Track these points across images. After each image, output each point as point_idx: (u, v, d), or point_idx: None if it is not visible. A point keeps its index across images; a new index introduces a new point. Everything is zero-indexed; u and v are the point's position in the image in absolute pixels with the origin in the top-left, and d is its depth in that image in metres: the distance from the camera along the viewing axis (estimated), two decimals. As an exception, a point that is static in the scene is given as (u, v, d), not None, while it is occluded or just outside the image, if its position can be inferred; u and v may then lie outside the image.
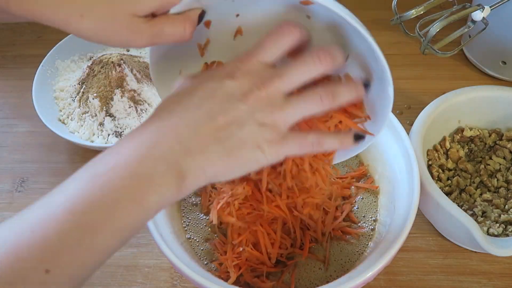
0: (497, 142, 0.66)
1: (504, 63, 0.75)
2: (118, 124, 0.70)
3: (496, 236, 0.58)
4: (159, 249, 0.51)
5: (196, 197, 0.60)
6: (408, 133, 0.59)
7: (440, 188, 0.61)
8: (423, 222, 0.63)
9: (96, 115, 0.70)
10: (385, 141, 0.59)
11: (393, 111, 0.59)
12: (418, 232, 0.63)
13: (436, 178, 0.63)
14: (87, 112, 0.71)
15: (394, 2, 0.61)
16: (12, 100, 0.80)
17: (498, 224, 0.59)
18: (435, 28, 0.59)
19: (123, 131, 0.70)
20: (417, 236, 0.63)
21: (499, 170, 0.64)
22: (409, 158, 0.55)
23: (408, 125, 0.72)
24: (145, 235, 0.64)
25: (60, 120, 0.73)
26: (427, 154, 0.65)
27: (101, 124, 0.70)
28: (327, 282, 0.53)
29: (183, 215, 0.59)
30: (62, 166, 0.72)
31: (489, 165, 0.64)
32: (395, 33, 0.82)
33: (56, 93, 0.76)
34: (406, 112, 0.74)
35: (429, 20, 0.62)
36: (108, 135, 0.70)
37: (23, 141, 0.75)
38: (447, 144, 0.66)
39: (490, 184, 0.63)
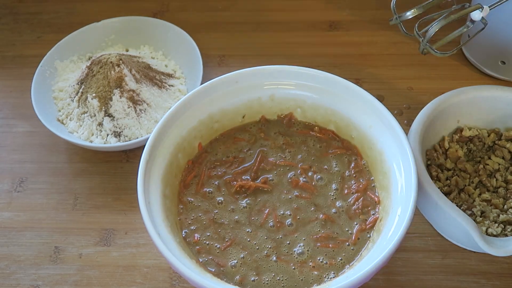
0: (496, 142, 0.66)
1: (503, 63, 0.75)
2: (117, 124, 0.70)
3: (495, 236, 0.58)
4: (157, 249, 0.51)
5: (191, 197, 0.60)
6: (407, 133, 0.59)
7: (439, 188, 0.61)
8: (422, 222, 0.63)
9: (95, 115, 0.70)
10: (384, 141, 0.59)
11: (392, 111, 0.60)
12: (417, 232, 0.63)
13: (435, 178, 0.63)
14: (86, 112, 0.71)
15: (393, 2, 0.61)
16: (11, 100, 0.80)
17: (497, 224, 0.59)
18: (434, 28, 0.59)
19: (122, 131, 0.70)
20: (416, 236, 0.63)
21: (498, 170, 0.64)
22: (408, 158, 0.55)
23: (406, 125, 0.72)
24: (144, 235, 0.64)
25: (59, 120, 0.73)
26: (426, 154, 0.65)
27: (100, 124, 0.70)
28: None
29: (181, 211, 0.59)
30: (61, 166, 0.72)
31: (488, 165, 0.64)
32: (394, 33, 0.82)
33: (55, 93, 0.76)
34: (405, 112, 0.74)
35: (428, 20, 0.62)
36: (107, 135, 0.70)
37: (22, 141, 0.75)
38: (446, 144, 0.66)
39: (489, 184, 0.63)
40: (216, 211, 0.59)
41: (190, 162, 0.63)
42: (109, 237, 0.65)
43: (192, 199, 0.60)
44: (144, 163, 0.56)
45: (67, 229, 0.66)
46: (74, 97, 0.73)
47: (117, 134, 0.69)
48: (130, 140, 0.69)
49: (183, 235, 0.57)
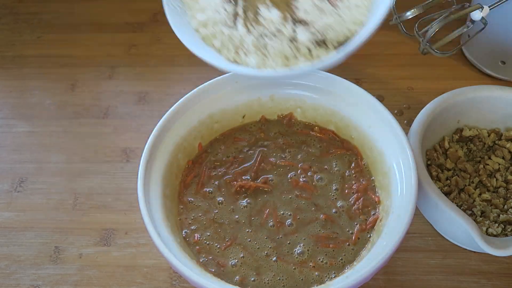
0: (496, 142, 0.66)
1: (503, 62, 0.75)
2: (315, 29, 0.52)
3: (495, 236, 0.58)
4: (157, 249, 0.51)
5: (191, 197, 0.60)
6: (407, 133, 0.59)
7: (439, 188, 0.61)
8: (422, 222, 0.63)
9: (279, 31, 0.52)
10: (384, 141, 0.59)
11: (392, 111, 0.60)
12: (417, 232, 0.63)
13: (435, 178, 0.63)
14: (264, 35, 0.52)
15: (393, 2, 0.61)
16: (11, 100, 0.80)
17: (497, 224, 0.59)
18: (434, 28, 0.59)
19: (326, 37, 0.52)
20: (416, 236, 0.63)
21: (498, 170, 0.64)
22: (408, 158, 0.55)
23: (406, 125, 0.72)
24: (144, 235, 0.64)
25: (233, 61, 0.54)
26: (426, 154, 0.65)
27: (293, 40, 0.52)
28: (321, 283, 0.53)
29: (181, 211, 0.59)
30: (61, 166, 0.72)
31: (488, 165, 0.64)
32: (394, 33, 0.82)
33: (201, 32, 0.56)
34: (405, 112, 0.74)
35: (428, 20, 0.62)
36: (309, 50, 0.52)
37: (22, 141, 0.75)
38: (446, 144, 0.66)
39: (489, 184, 0.63)
40: (216, 211, 0.59)
41: (190, 162, 0.63)
42: (109, 237, 0.65)
43: (192, 199, 0.60)
44: (144, 163, 0.56)
45: (67, 229, 0.66)
46: (235, 24, 0.53)
47: (321, 43, 0.52)
48: (345, 44, 0.52)
49: (183, 235, 0.57)
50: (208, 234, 0.57)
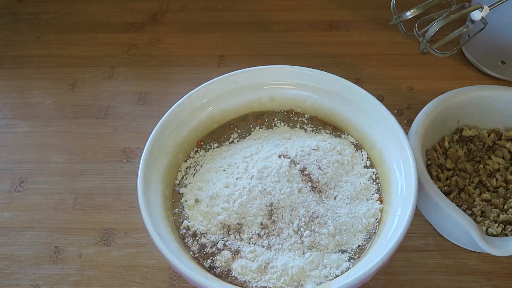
0: (496, 142, 0.66)
1: (503, 62, 0.75)
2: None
3: (495, 236, 0.58)
4: (157, 249, 0.51)
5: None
6: (407, 133, 0.59)
7: (439, 188, 0.61)
8: (422, 222, 0.63)
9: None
10: (384, 141, 0.59)
11: (392, 111, 0.60)
12: (417, 232, 0.63)
13: (435, 178, 0.63)
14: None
15: (393, 2, 0.61)
16: (11, 100, 0.80)
17: (497, 224, 0.59)
18: (434, 28, 0.59)
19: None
20: (416, 236, 0.63)
21: (498, 170, 0.64)
22: (408, 158, 0.55)
23: (406, 125, 0.72)
24: (144, 235, 0.64)
25: None
26: (426, 154, 0.65)
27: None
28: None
29: (176, 211, 0.59)
30: (61, 166, 0.72)
31: (488, 165, 0.64)
32: (394, 33, 0.82)
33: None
34: (405, 112, 0.74)
35: (428, 20, 0.61)
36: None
37: (22, 141, 0.75)
38: (446, 144, 0.66)
39: (489, 184, 0.63)
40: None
41: (190, 162, 0.63)
42: (109, 237, 0.65)
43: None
44: (144, 163, 0.56)
45: (67, 229, 0.66)
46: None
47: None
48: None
49: (181, 233, 0.57)
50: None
